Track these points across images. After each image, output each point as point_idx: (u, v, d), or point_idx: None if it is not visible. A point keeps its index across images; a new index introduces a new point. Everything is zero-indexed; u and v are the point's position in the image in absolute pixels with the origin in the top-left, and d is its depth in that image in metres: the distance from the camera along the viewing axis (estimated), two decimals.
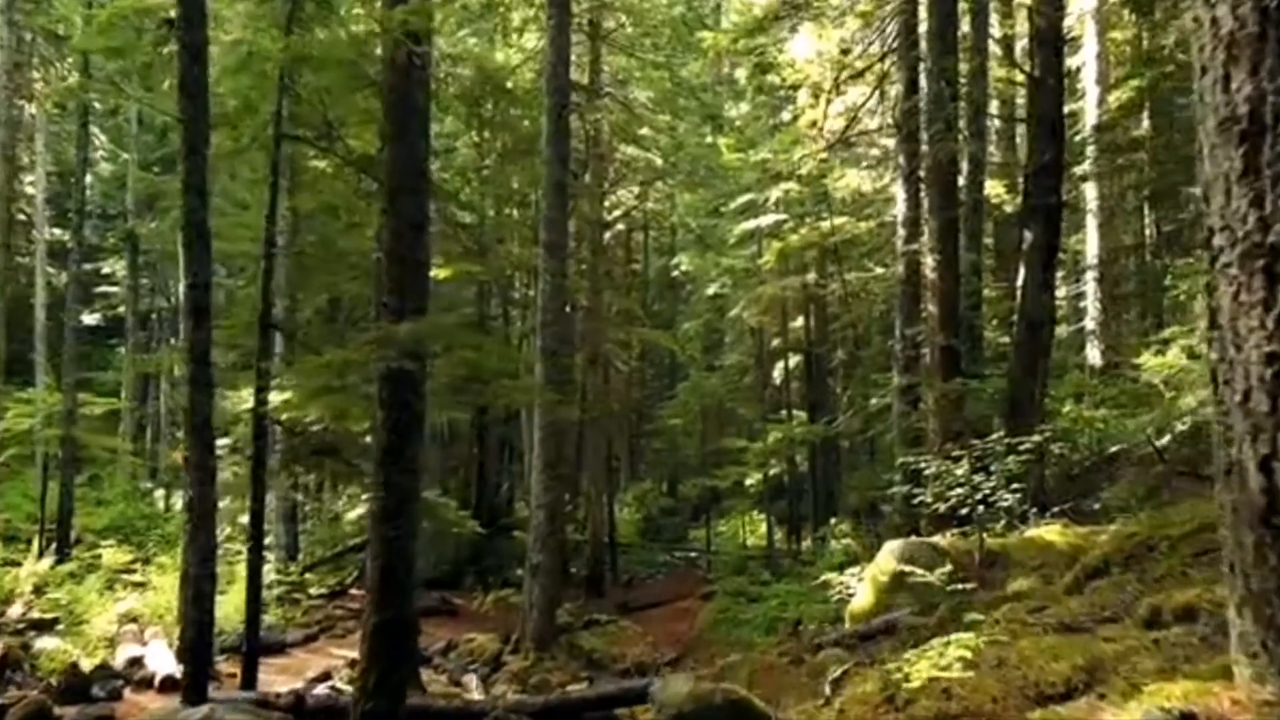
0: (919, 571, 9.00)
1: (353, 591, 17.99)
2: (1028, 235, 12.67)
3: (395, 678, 7.19)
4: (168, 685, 11.30)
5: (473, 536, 22.68)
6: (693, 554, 24.71)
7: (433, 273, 11.31)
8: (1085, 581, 6.25)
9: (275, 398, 9.93)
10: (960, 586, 8.71)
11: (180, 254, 9.02)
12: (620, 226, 28.09)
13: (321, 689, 10.36)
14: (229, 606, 14.21)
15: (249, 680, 9.24)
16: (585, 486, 21.75)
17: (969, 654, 4.55)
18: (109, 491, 22.43)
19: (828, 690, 5.87)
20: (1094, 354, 22.97)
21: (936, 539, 9.46)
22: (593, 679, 13.64)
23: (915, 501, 10.53)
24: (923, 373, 13.32)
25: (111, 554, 17.37)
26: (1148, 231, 22.16)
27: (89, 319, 24.32)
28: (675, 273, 28.52)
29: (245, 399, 11.26)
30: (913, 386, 13.30)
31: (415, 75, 7.57)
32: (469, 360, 7.88)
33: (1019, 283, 12.97)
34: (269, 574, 15.87)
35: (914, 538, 9.62)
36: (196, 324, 8.56)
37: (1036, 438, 9.23)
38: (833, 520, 24.02)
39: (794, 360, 25.86)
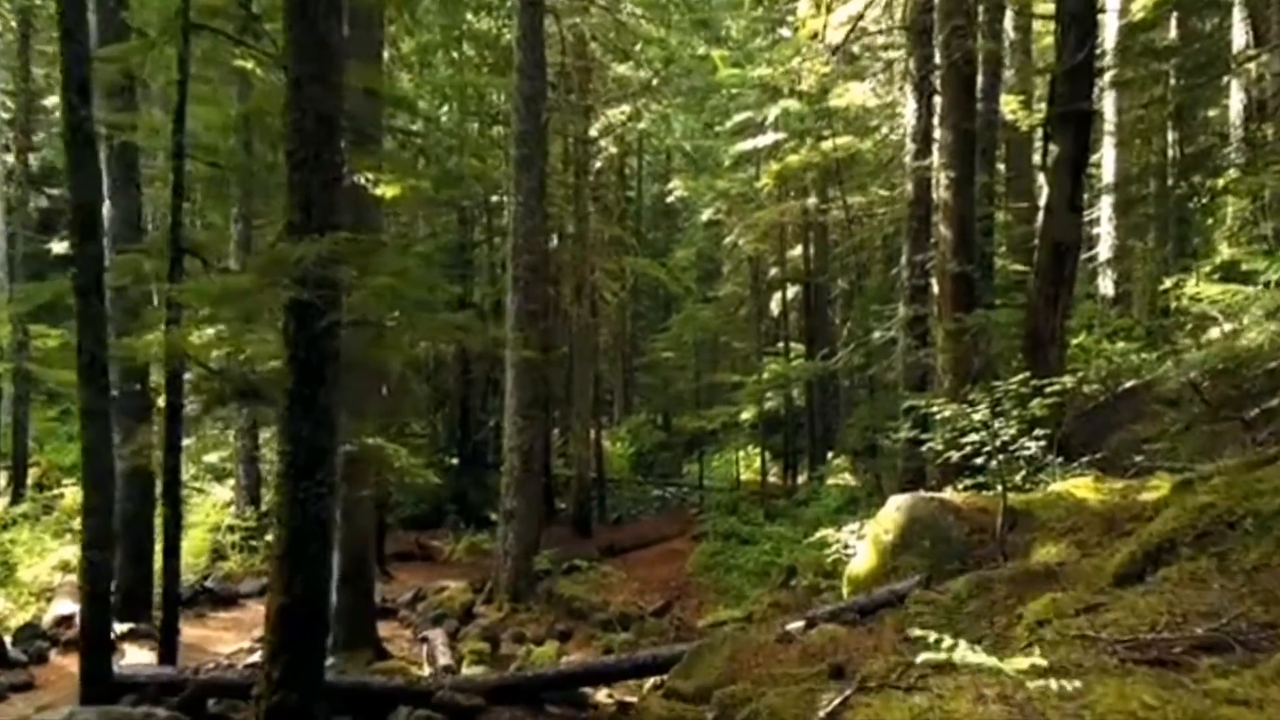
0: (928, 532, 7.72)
1: None
2: (1054, 147, 11.09)
3: (309, 665, 5.93)
4: None
5: (452, 474, 21.76)
6: (684, 490, 23.57)
7: (380, 190, 9.84)
8: (1146, 564, 4.90)
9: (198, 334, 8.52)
10: (978, 553, 7.44)
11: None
12: (612, 150, 26.34)
13: (257, 656, 9.14)
14: (185, 551, 13.05)
15: (168, 651, 8.03)
16: (574, 424, 20.47)
17: (1028, 697, 3.22)
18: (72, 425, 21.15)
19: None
20: (1106, 284, 21.45)
21: (947, 493, 8.13)
22: (570, 632, 12.52)
23: (924, 449, 9.19)
24: (932, 304, 11.88)
25: (73, 495, 16.17)
26: (1170, 152, 20.44)
27: (58, 247, 22.78)
28: (670, 198, 26.82)
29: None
30: (921, 319, 11.87)
31: None
32: (392, 290, 6.45)
33: (1042, 201, 11.45)
34: (226, 520, 14.69)
35: (922, 492, 8.29)
36: (82, 246, 7.13)
37: (1067, 379, 7.85)
38: (830, 455, 22.88)
39: (792, 291, 24.39)
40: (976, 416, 7.92)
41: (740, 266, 25.35)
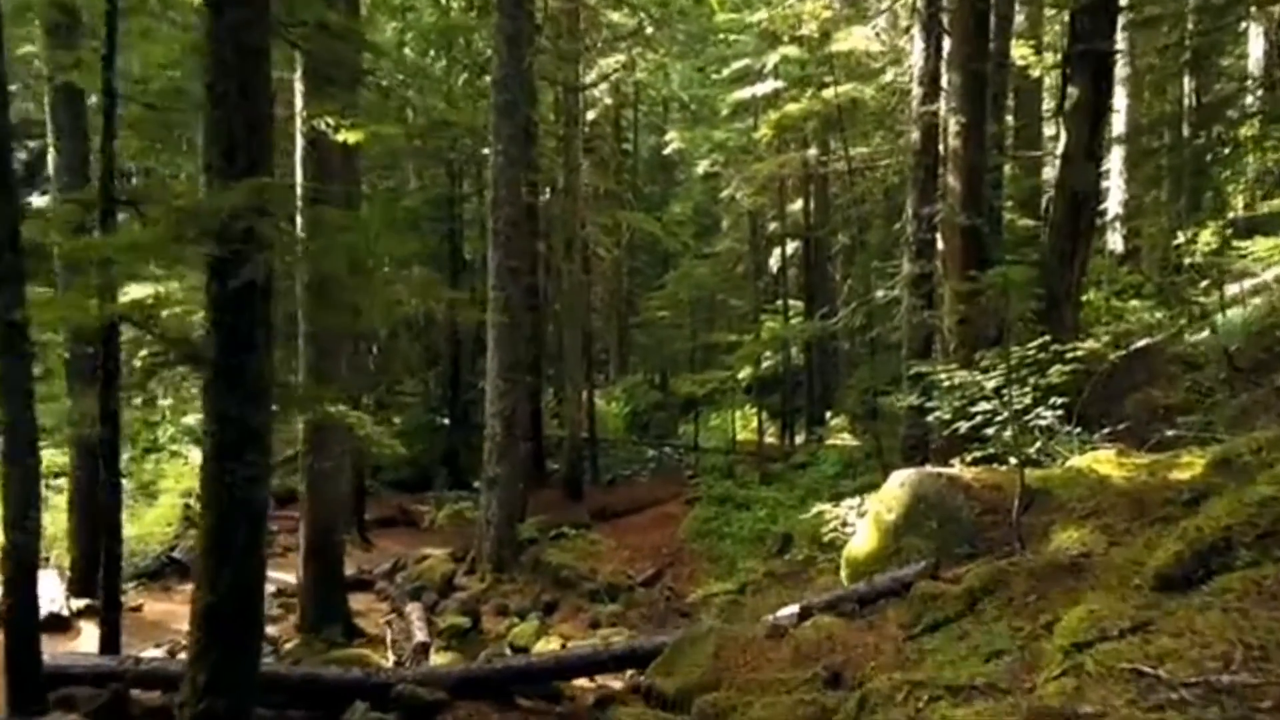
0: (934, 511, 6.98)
1: None
2: (1072, 90, 10.20)
3: (239, 668, 5.22)
4: (52, 626, 9.49)
5: (443, 434, 21.06)
6: (679, 451, 22.88)
7: (342, 137, 8.96)
8: (1196, 566, 4.15)
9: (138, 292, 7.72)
10: (990, 535, 6.71)
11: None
12: (607, 101, 25.31)
13: None
14: (148, 523, 12.39)
15: (110, 638, 7.35)
16: (566, 385, 19.70)
17: None
18: (53, 386, 20.39)
19: None
20: (1116, 239, 20.53)
21: (956, 469, 7.38)
22: (555, 603, 11.86)
23: (930, 417, 8.41)
24: (938, 260, 11.04)
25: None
26: (1186, 101, 19.40)
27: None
28: (667, 150, 25.77)
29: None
30: (926, 276, 11.03)
31: None
32: (337, 246, 5.62)
33: (1058, 148, 10.59)
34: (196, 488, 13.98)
35: (928, 467, 7.53)
36: None
37: (1090, 342, 7.06)
38: (828, 415, 22.15)
39: (791, 247, 23.47)
40: (989, 384, 7.15)
41: (739, 221, 24.41)
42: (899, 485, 7.21)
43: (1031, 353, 6.86)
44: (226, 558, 5.21)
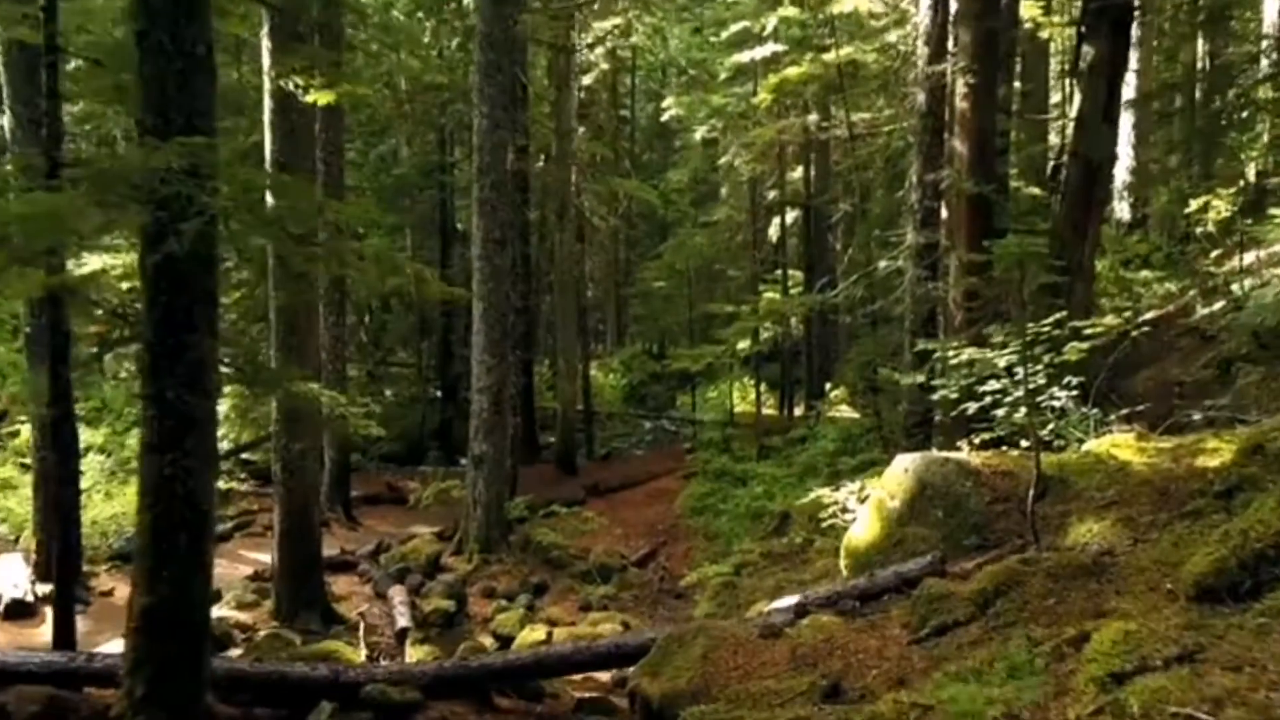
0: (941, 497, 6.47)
1: None
2: (1087, 49, 9.57)
3: (181, 680, 4.74)
4: (16, 613, 9.07)
5: (436, 407, 20.56)
6: (676, 424, 22.39)
7: (311, 97, 8.35)
8: (1243, 576, 3.64)
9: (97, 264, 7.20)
10: (1000, 526, 6.21)
11: None
12: (604, 66, 24.54)
13: None
14: (127, 500, 11.89)
15: (65, 630, 6.88)
16: (558, 358, 19.18)
17: None
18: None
19: None
20: (1123, 207, 19.89)
21: (964, 454, 6.86)
22: (545, 584, 11.42)
23: (936, 395, 7.89)
24: (944, 230, 10.46)
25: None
26: (1199, 64, 18.67)
27: None
28: (665, 117, 25.03)
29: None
30: (931, 247, 10.45)
31: None
32: (298, 214, 5.05)
33: (1073, 111, 9.97)
34: None
35: (933, 451, 7.01)
36: None
37: (1110, 318, 6.52)
38: (828, 387, 21.64)
39: (791, 215, 22.85)
40: (1001, 362, 6.61)
41: (739, 190, 23.74)
42: (903, 470, 6.70)
43: (1047, 329, 6.32)
44: (167, 557, 4.71)
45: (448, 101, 18.68)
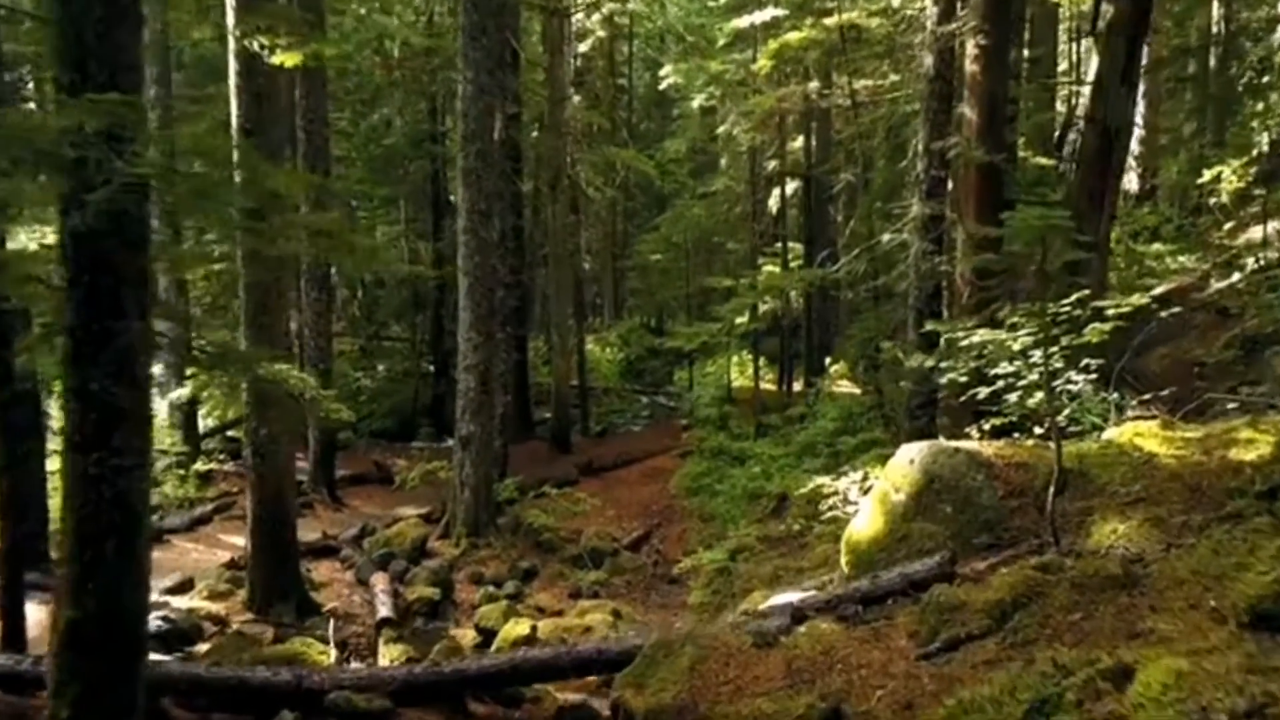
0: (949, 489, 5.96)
1: None
2: (1107, 7, 8.94)
3: (111, 702, 4.25)
4: None
5: (429, 382, 20.04)
6: (674, 400, 21.88)
7: (278, 59, 7.74)
8: None
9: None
10: (1015, 524, 5.71)
11: None
12: (601, 34, 23.80)
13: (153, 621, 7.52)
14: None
15: (13, 632, 6.42)
16: (552, 333, 18.64)
17: None
18: None
19: None
20: (1130, 178, 19.21)
21: (975, 444, 6.33)
22: (535, 569, 10.97)
23: (944, 379, 7.35)
24: (951, 201, 9.89)
25: None
26: (1215, 28, 17.93)
27: None
28: (663, 85, 24.30)
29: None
30: (938, 219, 9.87)
31: None
32: (213, 186, 4.48)
33: (1090, 73, 9.36)
34: (167, 440, 12.97)
35: (941, 440, 6.49)
36: None
37: (1136, 296, 5.97)
38: (828, 361, 21.11)
39: (791, 186, 22.19)
40: (1015, 345, 6.09)
41: (739, 160, 23.05)
42: (908, 461, 6.19)
43: (1067, 309, 5.78)
44: (94, 567, 4.21)
45: (438, 68, 17.99)
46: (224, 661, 6.25)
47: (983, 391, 6.63)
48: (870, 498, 6.47)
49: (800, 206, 21.46)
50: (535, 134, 19.41)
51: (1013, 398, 6.49)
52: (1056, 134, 18.81)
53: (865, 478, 7.11)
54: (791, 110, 18.60)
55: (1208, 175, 15.29)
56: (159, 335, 5.55)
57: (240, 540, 10.78)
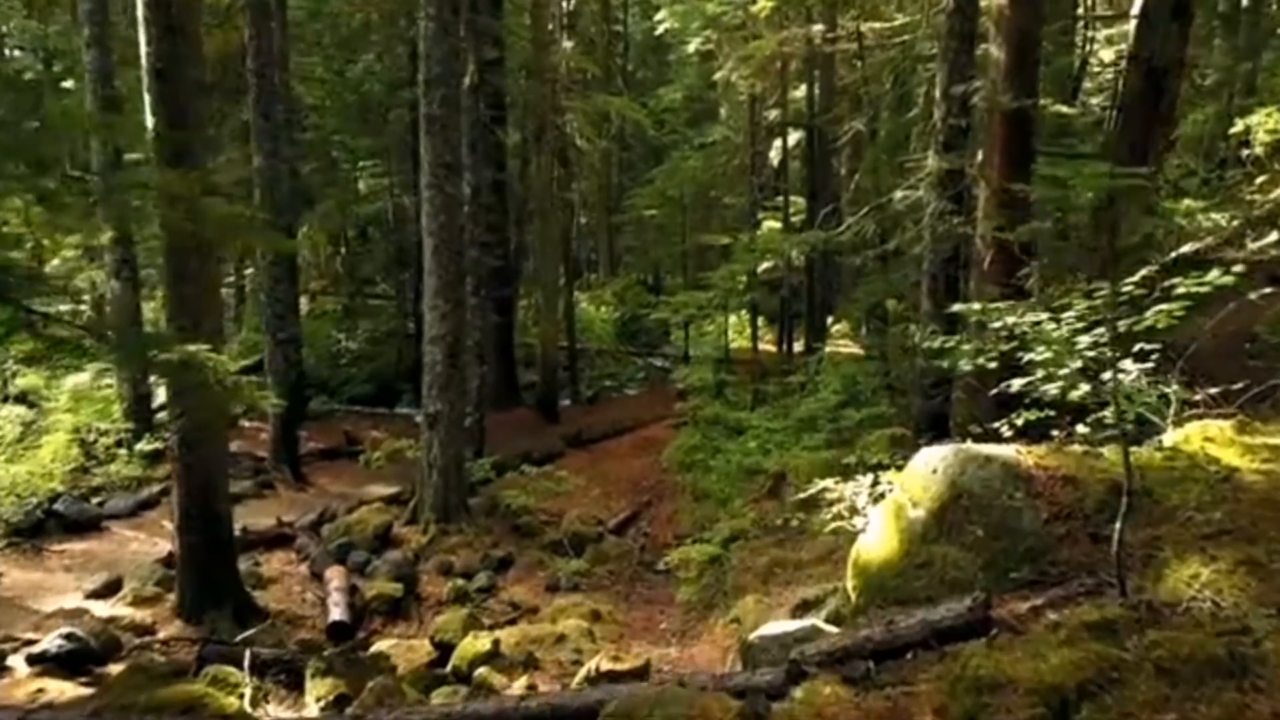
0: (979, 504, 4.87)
1: (242, 423, 14.08)
2: None
3: None
4: None
5: (412, 345, 18.85)
6: (668, 362, 20.74)
7: None
8: None
9: None
10: (1063, 555, 4.61)
11: None
12: None
13: (54, 640, 6.48)
14: (39, 463, 10.38)
15: None
16: (538, 295, 17.46)
17: None
18: None
19: None
20: None
21: (1009, 449, 5.19)
22: (510, 558, 9.95)
23: (965, 364, 6.18)
24: (973, 152, 8.64)
25: None
26: None
27: None
28: (660, 30, 22.76)
29: None
30: (957, 173, 8.63)
31: None
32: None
33: (1134, 8, 8.06)
34: (112, 416, 11.87)
35: (969, 445, 5.33)
36: None
37: (1215, 273, 4.80)
38: (829, 321, 19.97)
39: (793, 138, 20.80)
40: (1053, 331, 4.94)
41: (739, 110, 21.60)
42: (930, 470, 5.07)
43: (1130, 288, 4.61)
44: None
45: (415, 9, 16.54)
46: (106, 712, 5.19)
47: (1016, 383, 5.50)
48: (883, 510, 5.36)
49: (803, 158, 20.09)
50: (525, 82, 18.02)
51: (1051, 389, 5.36)
52: (1072, 79, 17.42)
53: (875, 481, 5.99)
54: (793, 55, 17.16)
55: (1240, 125, 13.97)
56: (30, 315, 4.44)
57: None
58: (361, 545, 9.64)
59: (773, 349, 19.96)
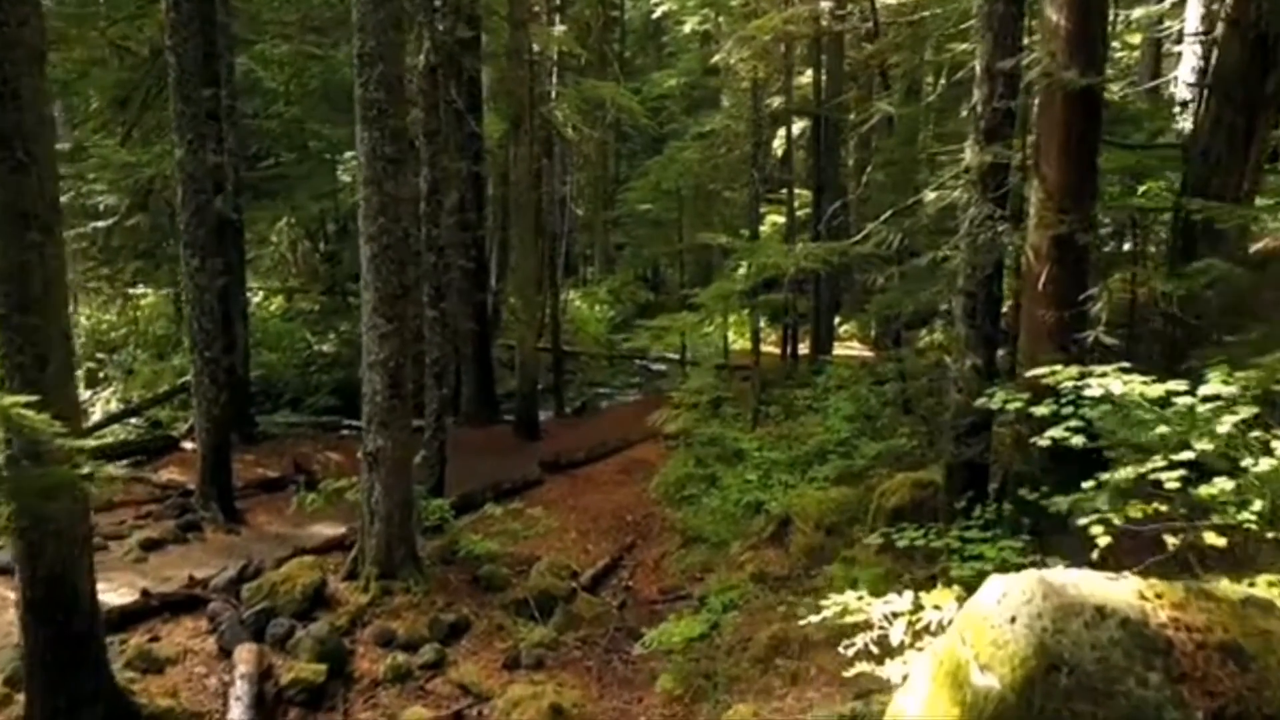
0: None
1: (185, 446, 12.41)
2: None
3: None
4: None
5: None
6: (667, 365, 19.03)
7: None
8: None
9: None
10: None
11: None
12: None
13: None
14: None
15: None
16: (514, 300, 15.70)
17: None
18: None
19: None
20: (1186, 117, 15.99)
21: (1126, 588, 3.42)
22: (464, 623, 8.24)
23: (1044, 437, 4.41)
24: (1022, 139, 6.87)
25: None
26: None
27: None
28: (657, 13, 20.90)
29: None
30: (1001, 168, 6.85)
31: None
32: None
33: None
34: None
35: (1060, 579, 3.52)
36: None
37: None
38: (836, 320, 18.28)
39: (799, 126, 19.01)
40: (1202, 407, 3.23)
41: (741, 98, 19.77)
42: (1006, 617, 3.32)
43: None
44: None
45: None
46: None
47: (1126, 470, 3.78)
48: (933, 664, 3.61)
49: (809, 149, 18.27)
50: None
51: (1171, 479, 3.67)
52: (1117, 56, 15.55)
53: (917, 608, 4.22)
54: (799, 35, 15.34)
55: None
56: None
57: (104, 584, 7.95)
58: (287, 610, 7.93)
59: (776, 350, 18.26)
